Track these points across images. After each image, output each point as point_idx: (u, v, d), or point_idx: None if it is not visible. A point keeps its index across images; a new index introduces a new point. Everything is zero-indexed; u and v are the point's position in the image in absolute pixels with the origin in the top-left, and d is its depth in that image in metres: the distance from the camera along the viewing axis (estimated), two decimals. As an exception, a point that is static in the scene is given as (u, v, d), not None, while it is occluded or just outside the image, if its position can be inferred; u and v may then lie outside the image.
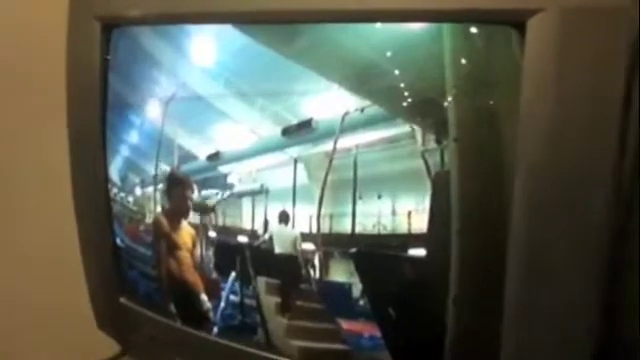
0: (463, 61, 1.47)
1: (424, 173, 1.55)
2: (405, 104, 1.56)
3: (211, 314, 2.06)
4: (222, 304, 2.03)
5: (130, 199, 2.25)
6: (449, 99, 1.46)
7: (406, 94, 1.56)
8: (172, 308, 2.14)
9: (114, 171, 2.20)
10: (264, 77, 1.79)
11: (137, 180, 2.25)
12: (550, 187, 1.21)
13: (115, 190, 2.21)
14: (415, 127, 1.56)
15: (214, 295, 2.04)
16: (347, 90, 1.66)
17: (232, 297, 2.01)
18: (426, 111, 1.54)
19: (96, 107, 2.22)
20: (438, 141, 1.53)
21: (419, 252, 1.60)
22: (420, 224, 1.57)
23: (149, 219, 2.21)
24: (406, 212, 1.60)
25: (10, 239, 2.75)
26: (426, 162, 1.54)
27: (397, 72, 1.56)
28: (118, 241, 2.28)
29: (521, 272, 1.25)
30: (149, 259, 2.23)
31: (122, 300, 2.27)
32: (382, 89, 1.59)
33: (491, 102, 1.46)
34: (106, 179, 2.24)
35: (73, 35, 2.22)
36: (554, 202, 1.21)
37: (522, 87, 1.27)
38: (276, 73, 1.74)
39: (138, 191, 2.25)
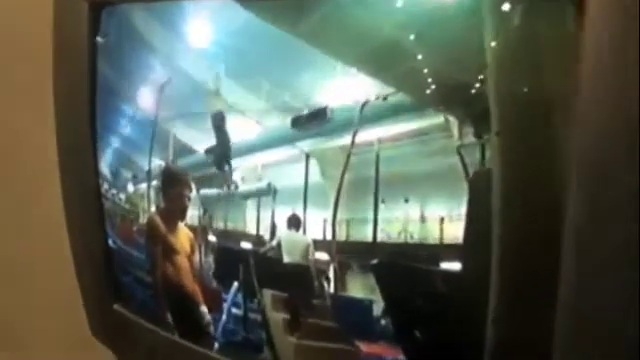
0: (507, 38, 1.27)
1: (460, 172, 1.39)
2: (437, 91, 1.39)
3: (212, 328, 1.95)
4: (224, 317, 1.90)
5: (122, 196, 2.10)
6: (490, 84, 1.27)
7: (438, 79, 1.39)
8: (169, 319, 2.02)
9: (104, 165, 2.04)
10: (270, 60, 1.62)
11: (129, 175, 2.10)
12: (618, 188, 1.02)
13: (106, 186, 2.05)
14: (450, 118, 1.40)
15: (215, 307, 1.94)
16: (367, 74, 1.51)
17: (234, 310, 1.89)
18: (463, 99, 1.38)
19: (84, 94, 2.11)
20: (477, 135, 1.38)
21: (453, 265, 1.45)
22: (454, 232, 1.43)
23: (143, 219, 2.05)
24: (438, 218, 1.47)
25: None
26: (462, 159, 1.39)
27: (427, 52, 1.40)
28: (110, 242, 2.16)
29: (580, 289, 1.08)
30: (144, 264, 2.13)
31: (116, 307, 2.16)
32: (409, 73, 1.46)
33: (541, 88, 1.27)
34: (96, 173, 2.08)
35: (59, 16, 2.14)
36: (620, 206, 1.02)
37: (581, 69, 1.05)
38: (284, 55, 1.59)
39: (130, 188, 2.10)
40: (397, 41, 1.39)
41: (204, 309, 1.91)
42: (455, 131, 1.38)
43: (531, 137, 1.27)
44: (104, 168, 2.04)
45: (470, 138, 1.36)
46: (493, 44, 1.26)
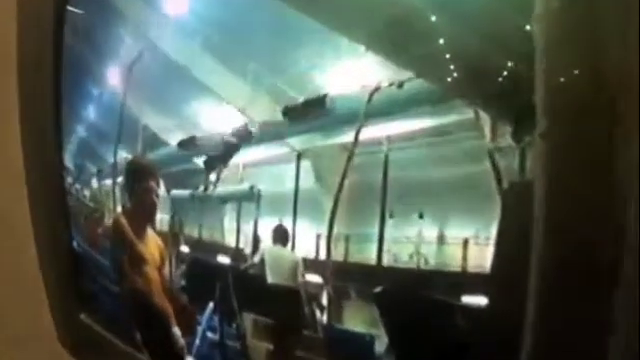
0: (561, 10, 1.00)
1: (491, 183, 1.15)
2: (466, 77, 1.28)
3: (184, 352, 1.68)
4: (197, 342, 1.68)
5: (86, 192, 1.91)
6: (537, 71, 0.98)
7: (468, 62, 1.16)
8: (138, 337, 1.74)
9: (69, 156, 1.80)
10: (258, 34, 1.43)
11: (94, 169, 1.87)
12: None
13: (70, 179, 1.81)
14: (481, 113, 1.30)
15: (188, 328, 1.68)
16: (378, 54, 1.27)
17: (210, 334, 1.69)
18: (499, 89, 1.13)
19: (48, 71, 1.82)
20: (516, 136, 1.13)
21: (477, 300, 1.25)
22: (481, 259, 1.22)
23: (108, 220, 1.84)
24: (460, 240, 1.27)
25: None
26: (495, 166, 1.16)
27: (455, 28, 1.27)
28: (75, 245, 1.90)
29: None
30: (110, 272, 1.84)
31: (82, 317, 2.02)
32: (431, 54, 1.27)
33: (604, 77, 0.98)
34: (60, 165, 1.85)
35: None
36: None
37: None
38: (275, 29, 1.41)
39: (95, 183, 1.87)
40: (418, 13, 1.14)
41: (177, 331, 1.68)
42: (487, 130, 1.17)
43: (589, 140, 1.06)
44: (68, 160, 1.82)
45: (506, 140, 1.14)
46: (542, 18, 0.98)
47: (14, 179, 2.45)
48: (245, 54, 1.47)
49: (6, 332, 2.55)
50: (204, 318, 1.67)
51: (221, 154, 1.65)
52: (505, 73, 1.16)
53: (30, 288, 2.23)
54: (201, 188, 1.62)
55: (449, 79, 1.16)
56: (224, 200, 1.59)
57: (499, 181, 1.21)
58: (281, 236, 1.52)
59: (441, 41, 1.13)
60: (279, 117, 1.42)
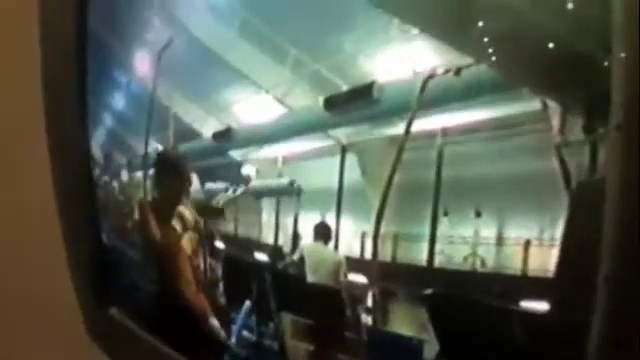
0: None
1: (558, 180, 1.07)
2: (532, 64, 1.19)
3: (226, 341, 1.66)
4: (232, 341, 1.63)
5: (115, 184, 1.84)
6: (616, 56, 0.90)
7: (534, 47, 1.05)
8: (169, 332, 1.71)
9: (97, 146, 1.76)
10: (299, 16, 1.30)
11: (123, 160, 1.82)
12: None
13: (98, 171, 1.77)
14: (549, 103, 1.15)
15: (223, 327, 1.66)
16: (433, 37, 1.16)
17: (246, 334, 1.64)
18: (569, 77, 1.03)
19: (72, 58, 1.80)
20: (587, 129, 1.04)
21: (539, 305, 1.15)
22: (544, 262, 1.13)
23: (138, 213, 1.78)
24: (522, 241, 1.17)
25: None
26: (563, 162, 1.07)
27: (519, 7, 1.06)
28: (104, 238, 1.96)
29: None
30: (140, 264, 1.88)
31: (112, 312, 1.94)
32: (493, 37, 1.12)
33: None
34: (88, 155, 1.83)
35: None
36: None
37: None
38: (317, 10, 1.28)
39: (124, 175, 1.83)
40: None
41: (215, 322, 1.65)
42: (555, 122, 1.09)
43: None
44: (96, 150, 1.77)
45: (576, 133, 1.05)
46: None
47: (38, 172, 2.42)
48: (284, 38, 1.38)
49: (32, 319, 2.54)
50: (240, 317, 1.64)
51: None
52: (578, 59, 1.06)
53: (57, 280, 2.21)
54: (237, 186, 1.56)
55: (514, 64, 1.06)
56: (261, 195, 1.52)
57: (567, 178, 1.12)
58: (323, 233, 1.46)
59: (504, 21, 1.04)
60: (321, 107, 1.34)
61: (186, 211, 1.67)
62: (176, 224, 1.70)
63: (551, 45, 1.09)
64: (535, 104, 1.12)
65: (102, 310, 1.86)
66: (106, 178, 1.82)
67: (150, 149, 1.71)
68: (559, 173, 1.13)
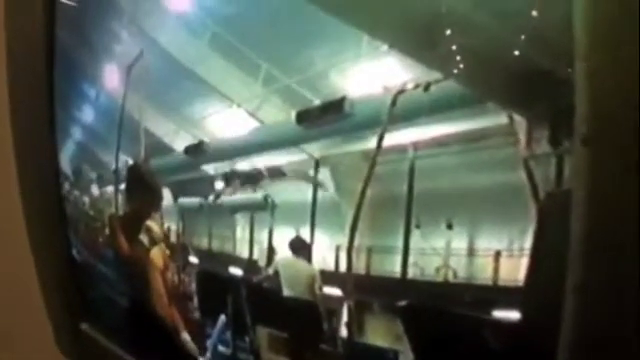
0: (606, 6, 0.93)
1: (526, 192, 1.10)
2: (499, 78, 1.17)
3: (197, 355, 1.68)
4: (208, 355, 1.67)
5: (85, 199, 1.84)
6: (578, 70, 0.93)
7: (501, 61, 1.23)
8: (143, 346, 1.73)
9: (65, 160, 1.76)
10: (271, 30, 1.35)
11: (93, 175, 1.82)
12: None
13: (67, 186, 1.77)
14: (515, 117, 1.17)
15: (197, 342, 1.63)
16: (402, 52, 1.20)
17: (221, 348, 1.64)
18: (535, 90, 1.08)
19: (40, 70, 1.80)
20: (554, 142, 1.08)
21: (510, 315, 1.19)
22: (514, 272, 1.16)
23: (108, 228, 1.79)
24: (492, 252, 1.20)
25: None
26: (530, 175, 1.11)
27: (487, 24, 1.15)
28: (74, 253, 1.90)
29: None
30: (112, 280, 1.87)
31: (84, 327, 1.94)
32: (461, 52, 1.16)
33: None
34: (56, 169, 1.83)
35: None
36: None
37: None
38: (289, 24, 1.32)
39: (95, 190, 1.83)
40: (447, 8, 1.08)
41: (186, 336, 1.66)
42: (522, 136, 1.15)
43: (636, 147, 1.01)
44: (65, 165, 1.77)
45: (543, 146, 1.13)
46: (584, 10, 0.93)
47: (9, 184, 2.41)
48: (256, 52, 1.41)
49: (5, 339, 2.53)
50: (215, 331, 1.66)
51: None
52: (542, 72, 1.11)
53: (28, 295, 2.20)
54: (211, 198, 1.58)
55: (481, 80, 1.11)
56: (235, 210, 1.55)
57: (535, 190, 1.16)
58: (298, 247, 1.48)
59: (471, 38, 1.08)
60: (293, 121, 1.37)
61: (154, 225, 1.69)
62: (144, 238, 1.71)
63: (516, 61, 1.14)
64: (502, 118, 1.16)
65: (73, 325, 1.86)
66: (76, 193, 1.82)
67: (121, 163, 1.72)
68: (527, 185, 1.17)
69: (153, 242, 1.65)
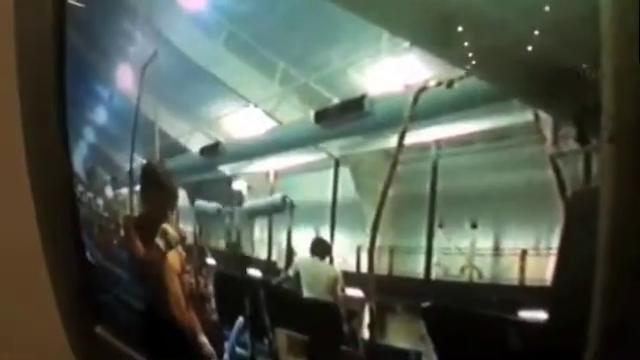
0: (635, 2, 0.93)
1: (553, 190, 1.10)
2: (525, 75, 1.20)
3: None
4: (226, 357, 1.64)
5: (99, 201, 1.83)
6: (606, 67, 0.94)
7: (527, 58, 1.20)
8: (158, 351, 1.73)
9: (78, 162, 1.76)
10: (288, 29, 1.32)
11: (107, 177, 1.82)
12: None
13: (81, 188, 1.77)
14: (541, 115, 1.18)
15: (214, 343, 1.63)
16: (425, 49, 1.19)
17: (239, 350, 1.65)
18: (562, 88, 1.06)
19: (51, 72, 1.80)
20: (581, 139, 1.07)
21: (537, 315, 1.18)
22: (541, 272, 1.15)
23: (123, 231, 1.79)
24: (518, 252, 1.20)
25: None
26: (558, 173, 1.10)
27: (512, 20, 1.13)
28: (88, 255, 1.90)
29: None
30: (127, 283, 1.88)
31: (98, 330, 1.94)
32: (485, 49, 1.16)
33: None
34: (69, 171, 1.83)
35: None
36: None
37: None
38: (306, 22, 1.32)
39: (109, 192, 1.83)
40: (470, 4, 1.08)
41: (204, 340, 1.66)
42: (548, 133, 1.15)
43: None
44: (78, 166, 1.77)
45: (570, 144, 1.13)
46: (611, 9, 0.94)
47: (20, 187, 2.41)
48: (273, 50, 1.40)
49: (17, 342, 2.53)
50: (233, 334, 1.66)
51: None
52: (568, 69, 1.10)
53: (40, 300, 2.20)
54: (227, 203, 1.57)
55: (506, 77, 1.10)
56: (254, 212, 1.54)
57: (562, 188, 1.15)
58: (318, 248, 1.47)
59: (497, 34, 1.07)
60: (312, 120, 1.36)
61: (170, 228, 1.68)
62: (160, 241, 1.70)
63: (541, 58, 1.13)
64: (527, 115, 1.15)
65: (87, 328, 1.86)
66: (90, 195, 1.82)
67: (135, 165, 1.71)
68: (554, 183, 1.16)
69: (169, 246, 1.64)
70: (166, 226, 1.69)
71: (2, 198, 2.47)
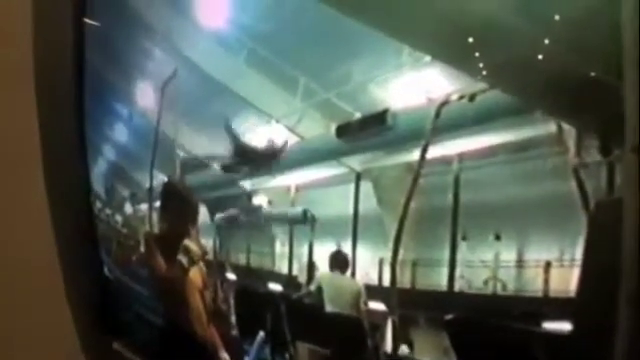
0: None
1: (576, 201, 1.11)
2: (547, 88, 1.17)
3: None
4: None
5: (118, 218, 1.83)
6: (628, 79, 0.94)
7: (549, 71, 1.20)
8: None
9: (97, 179, 1.76)
10: (308, 44, 1.34)
11: (126, 193, 1.83)
12: None
13: (99, 205, 1.77)
14: (564, 126, 1.16)
15: (235, 359, 1.61)
16: (446, 64, 1.19)
17: None
18: (584, 100, 1.05)
19: (70, 90, 1.80)
20: (604, 150, 1.08)
21: (561, 326, 1.18)
22: (565, 283, 1.16)
23: (144, 247, 1.78)
24: (542, 263, 1.21)
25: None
26: (581, 184, 1.12)
27: (534, 34, 1.12)
28: (106, 271, 1.88)
29: None
30: (146, 299, 1.81)
31: (116, 346, 1.93)
32: (508, 62, 1.14)
33: None
34: (88, 190, 1.81)
35: None
36: None
37: None
38: (327, 38, 1.31)
39: (128, 208, 1.83)
40: (492, 17, 1.07)
41: (225, 356, 1.63)
42: (571, 145, 1.15)
43: None
44: (97, 184, 1.77)
45: (593, 155, 1.12)
46: (633, 21, 0.93)
47: (38, 202, 2.41)
48: (293, 66, 1.41)
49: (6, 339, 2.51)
50: (253, 348, 1.65)
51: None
52: (591, 81, 1.10)
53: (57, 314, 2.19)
54: (247, 214, 1.57)
55: (528, 89, 1.10)
56: (274, 225, 1.54)
57: (585, 199, 1.15)
58: (340, 262, 1.47)
59: (519, 48, 1.08)
60: (333, 135, 1.36)
61: (192, 244, 1.67)
62: (182, 258, 1.69)
63: (563, 71, 1.13)
64: (550, 127, 1.16)
65: (105, 344, 1.89)
66: (108, 211, 1.82)
67: (155, 181, 1.71)
68: (577, 194, 1.16)
69: (192, 262, 1.64)
70: (188, 243, 1.69)
71: (20, 213, 2.49)
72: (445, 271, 1.31)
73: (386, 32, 1.25)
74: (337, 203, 1.49)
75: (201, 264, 1.72)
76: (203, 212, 1.67)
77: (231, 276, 1.70)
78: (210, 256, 1.69)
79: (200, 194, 1.69)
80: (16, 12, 1.93)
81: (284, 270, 1.59)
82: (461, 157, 1.25)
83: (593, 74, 1.10)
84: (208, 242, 1.69)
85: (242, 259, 1.67)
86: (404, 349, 1.37)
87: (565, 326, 1.24)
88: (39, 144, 2.00)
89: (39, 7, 1.85)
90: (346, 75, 1.35)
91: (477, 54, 1.17)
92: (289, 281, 1.58)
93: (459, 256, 1.28)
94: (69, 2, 1.76)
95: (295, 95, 1.43)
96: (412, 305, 1.40)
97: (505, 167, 1.23)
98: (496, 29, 1.16)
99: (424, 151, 1.24)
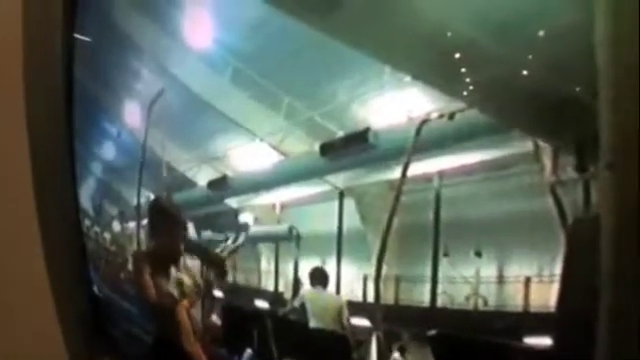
0: (629, 32, 0.92)
1: (554, 218, 1.11)
2: (524, 107, 1.10)
3: None
4: None
5: (106, 236, 1.81)
6: (603, 97, 0.94)
7: (526, 90, 1.09)
8: None
9: (85, 197, 1.75)
10: (292, 64, 1.33)
11: (114, 211, 1.81)
12: None
13: (88, 222, 1.76)
14: (541, 144, 1.13)
15: None
16: (426, 83, 1.20)
17: None
18: (560, 118, 1.10)
19: (59, 108, 1.77)
20: (580, 168, 1.08)
21: (542, 341, 1.07)
22: (545, 299, 1.22)
23: (132, 266, 1.76)
24: (522, 279, 1.22)
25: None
26: (558, 201, 1.15)
27: (511, 53, 1.08)
28: (95, 289, 1.84)
29: None
30: (135, 316, 1.77)
31: None
32: (485, 81, 1.12)
33: None
34: (77, 207, 1.79)
35: (28, 6, 1.81)
36: None
37: None
38: (310, 58, 1.30)
39: (116, 226, 1.81)
40: (470, 38, 1.08)
41: None
42: (548, 162, 1.13)
43: None
44: (85, 201, 1.76)
45: (569, 172, 1.10)
46: (606, 41, 0.99)
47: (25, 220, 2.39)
48: (278, 85, 1.41)
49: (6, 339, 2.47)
50: (242, 366, 1.63)
51: None
52: (566, 100, 1.12)
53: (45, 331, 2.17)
54: (234, 235, 1.56)
55: (506, 108, 1.12)
56: (259, 242, 1.54)
57: (562, 216, 1.16)
58: (320, 279, 1.45)
59: (497, 68, 1.09)
60: (317, 153, 1.36)
61: (186, 278, 1.66)
62: (174, 290, 1.68)
63: (539, 91, 1.14)
64: (527, 145, 1.16)
65: (93, 361, 1.91)
66: (97, 229, 1.82)
67: (143, 199, 1.70)
68: (555, 211, 1.17)
69: (183, 295, 1.63)
70: (182, 276, 1.66)
71: (10, 230, 2.47)
72: (428, 287, 1.30)
73: (368, 53, 1.26)
74: (321, 220, 1.49)
75: (187, 279, 1.72)
76: (190, 229, 1.67)
77: (218, 293, 1.69)
78: (198, 278, 1.69)
79: (187, 211, 1.70)
80: (6, 27, 1.94)
81: (270, 287, 1.59)
82: (441, 175, 1.26)
83: (569, 93, 1.12)
84: (195, 259, 1.70)
85: (229, 276, 1.67)
86: (396, 357, 1.36)
87: (545, 340, 1.26)
88: (29, 164, 2.01)
89: (29, 25, 1.86)
90: (329, 94, 1.36)
91: (456, 74, 1.18)
92: (275, 298, 1.58)
93: (441, 272, 1.28)
94: (59, 23, 1.78)
95: (279, 114, 1.43)
96: (395, 320, 1.39)
97: (484, 184, 1.24)
98: (474, 50, 1.17)
99: (405, 169, 1.24)
